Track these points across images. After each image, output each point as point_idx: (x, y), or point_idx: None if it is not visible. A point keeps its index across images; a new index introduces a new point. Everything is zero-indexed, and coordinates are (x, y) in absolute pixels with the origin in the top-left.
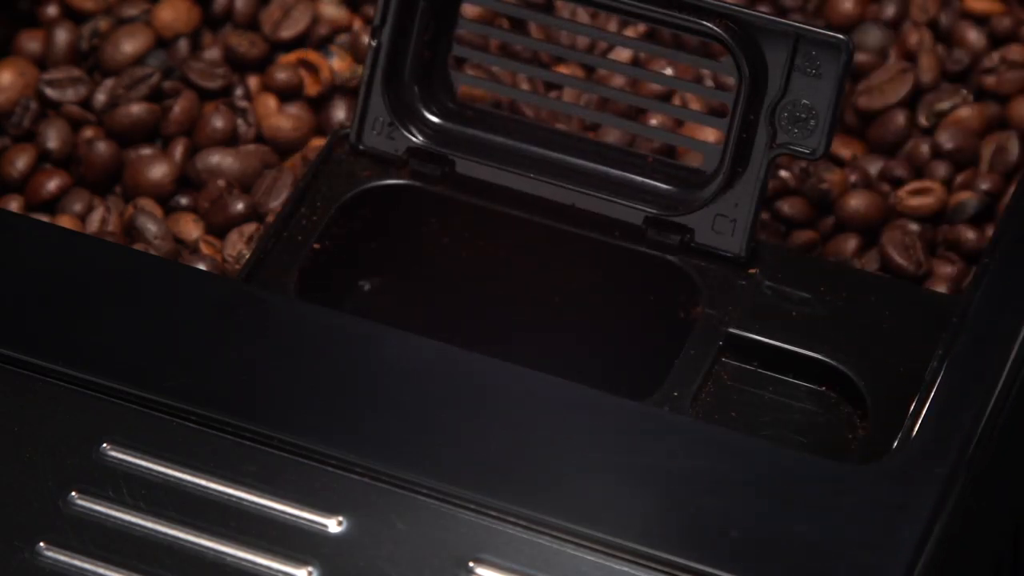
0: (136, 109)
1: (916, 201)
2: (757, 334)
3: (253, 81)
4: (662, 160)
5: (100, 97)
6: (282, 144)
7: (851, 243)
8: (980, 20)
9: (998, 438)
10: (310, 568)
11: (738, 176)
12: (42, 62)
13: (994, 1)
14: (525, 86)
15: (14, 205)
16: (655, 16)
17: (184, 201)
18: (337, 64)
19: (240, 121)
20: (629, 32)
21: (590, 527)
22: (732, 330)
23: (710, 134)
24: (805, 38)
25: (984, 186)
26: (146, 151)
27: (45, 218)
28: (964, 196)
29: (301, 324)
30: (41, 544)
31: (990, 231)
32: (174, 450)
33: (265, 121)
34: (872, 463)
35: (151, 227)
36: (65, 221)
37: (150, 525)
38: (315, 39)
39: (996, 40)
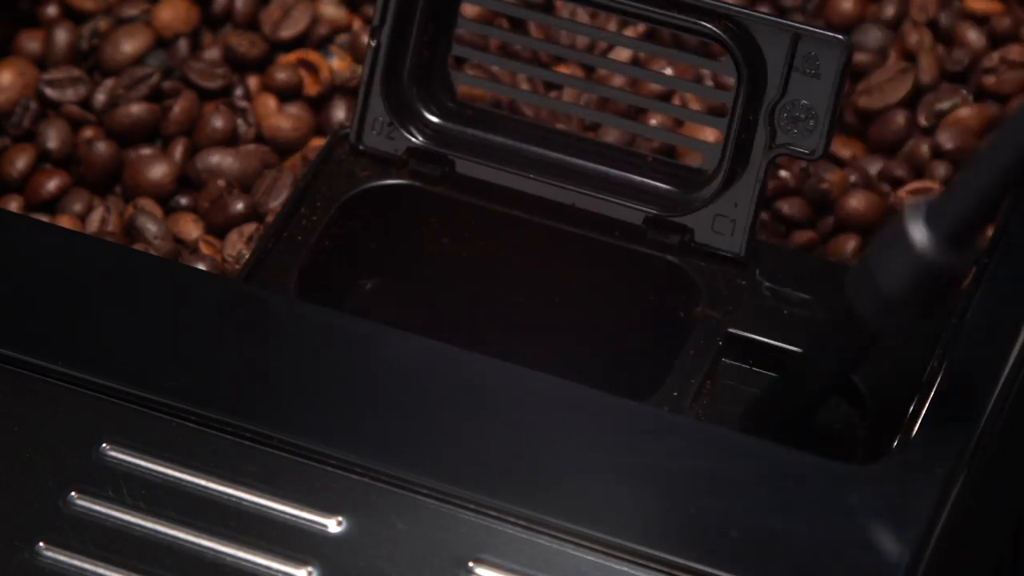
0: (136, 109)
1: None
2: (757, 334)
3: (253, 81)
4: (662, 160)
5: (100, 97)
6: (282, 144)
7: (851, 243)
8: (980, 20)
9: (998, 438)
10: (310, 568)
11: (738, 176)
12: (42, 62)
13: (994, 1)
14: (525, 86)
15: (14, 205)
16: (655, 16)
17: (184, 201)
18: (337, 64)
19: (240, 121)
20: (629, 32)
21: (590, 527)
22: (732, 330)
23: (710, 134)
24: (804, 38)
25: None
26: (146, 151)
27: (45, 218)
28: None
29: (301, 324)
30: (41, 544)
31: (990, 231)
32: (174, 450)
33: (265, 121)
34: (872, 463)
35: (151, 227)
36: (65, 221)
37: (150, 525)
38: (315, 39)
39: (996, 40)
